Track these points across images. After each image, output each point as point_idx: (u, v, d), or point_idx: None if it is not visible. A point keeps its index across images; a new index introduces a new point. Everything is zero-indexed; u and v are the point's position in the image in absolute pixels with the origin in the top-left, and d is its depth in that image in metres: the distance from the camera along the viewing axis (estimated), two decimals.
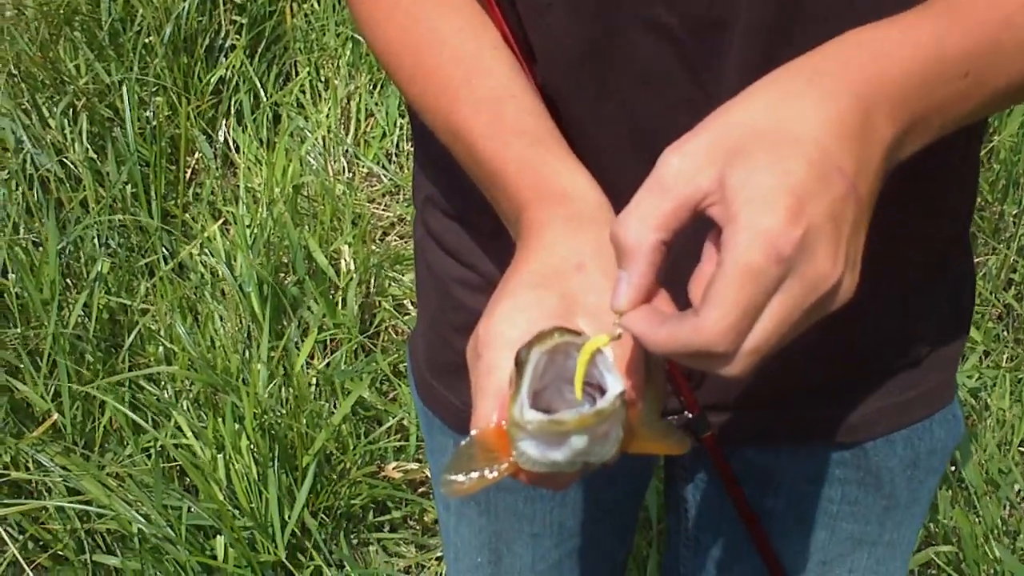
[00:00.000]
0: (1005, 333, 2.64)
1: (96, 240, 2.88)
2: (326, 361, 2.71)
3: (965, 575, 2.07)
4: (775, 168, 0.69)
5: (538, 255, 0.82)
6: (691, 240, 0.92)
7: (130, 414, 2.41)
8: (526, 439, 0.75)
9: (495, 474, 0.77)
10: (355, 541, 2.48)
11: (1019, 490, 2.29)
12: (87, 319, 2.68)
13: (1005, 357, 2.55)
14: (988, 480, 2.16)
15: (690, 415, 1.08)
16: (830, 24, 0.83)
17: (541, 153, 0.87)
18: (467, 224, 1.12)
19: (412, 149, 1.16)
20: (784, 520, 1.21)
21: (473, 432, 0.78)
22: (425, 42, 0.94)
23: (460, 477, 0.77)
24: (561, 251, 0.82)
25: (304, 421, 2.42)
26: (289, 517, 2.28)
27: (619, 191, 0.85)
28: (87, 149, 3.13)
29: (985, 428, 2.31)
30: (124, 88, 3.18)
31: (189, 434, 2.36)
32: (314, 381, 2.65)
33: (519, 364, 0.75)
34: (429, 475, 1.53)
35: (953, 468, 2.19)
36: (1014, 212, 2.79)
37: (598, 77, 0.93)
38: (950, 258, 1.12)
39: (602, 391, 0.75)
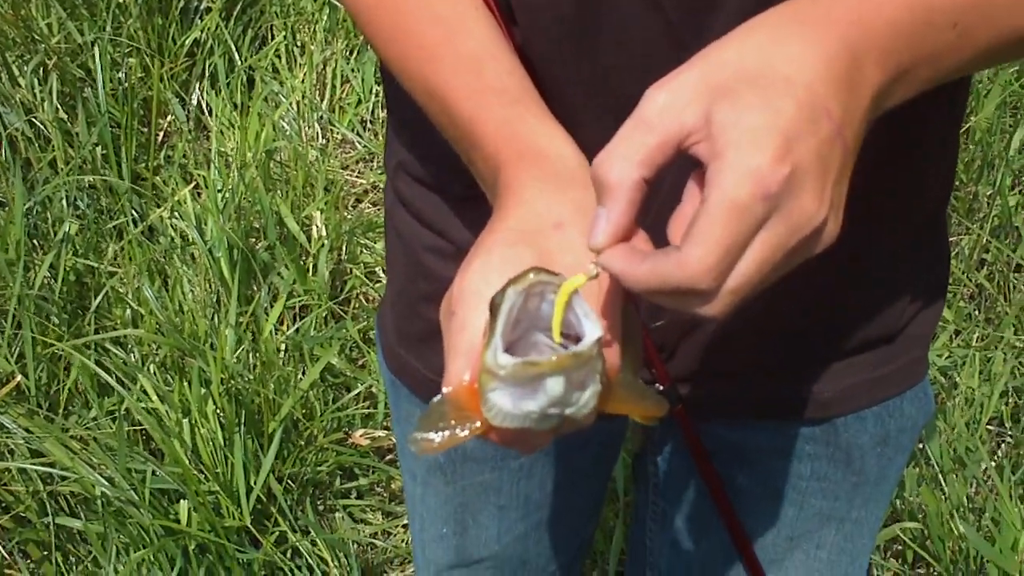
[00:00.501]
0: (976, 313, 2.65)
1: (64, 201, 2.85)
2: (296, 327, 2.70)
3: (930, 551, 2.07)
4: (764, 108, 0.69)
5: (515, 213, 0.81)
6: (669, 191, 0.91)
7: (98, 371, 2.39)
8: (499, 388, 0.73)
9: (466, 432, 0.76)
10: (321, 507, 2.47)
11: (985, 468, 2.30)
12: (53, 281, 2.65)
13: (975, 337, 2.55)
14: (955, 458, 2.17)
15: (661, 387, 1.07)
16: None
17: (520, 112, 0.86)
18: (439, 190, 1.10)
19: (387, 115, 1.13)
20: (752, 495, 1.21)
21: (445, 390, 0.77)
22: (404, 1, 0.92)
23: (430, 435, 0.76)
24: (539, 209, 0.81)
25: (272, 387, 2.40)
26: (255, 483, 2.27)
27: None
28: (57, 109, 3.09)
29: (954, 407, 2.31)
30: (96, 48, 3.14)
31: (155, 398, 2.34)
32: (283, 347, 2.63)
33: (493, 310, 0.73)
34: (396, 443, 1.52)
35: (921, 446, 2.19)
36: (988, 193, 2.80)
37: (580, 42, 0.92)
38: (927, 236, 1.11)
39: (578, 340, 0.73)
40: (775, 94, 0.69)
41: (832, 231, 0.72)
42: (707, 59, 0.72)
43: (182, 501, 2.18)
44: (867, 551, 1.31)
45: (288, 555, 2.29)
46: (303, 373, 2.53)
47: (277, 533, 2.31)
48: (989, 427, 2.36)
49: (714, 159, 0.69)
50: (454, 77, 0.88)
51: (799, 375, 1.11)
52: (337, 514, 2.47)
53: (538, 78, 0.91)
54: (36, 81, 3.15)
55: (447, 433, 0.76)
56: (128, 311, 2.64)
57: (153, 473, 2.22)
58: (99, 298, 2.59)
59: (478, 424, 0.75)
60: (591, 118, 0.92)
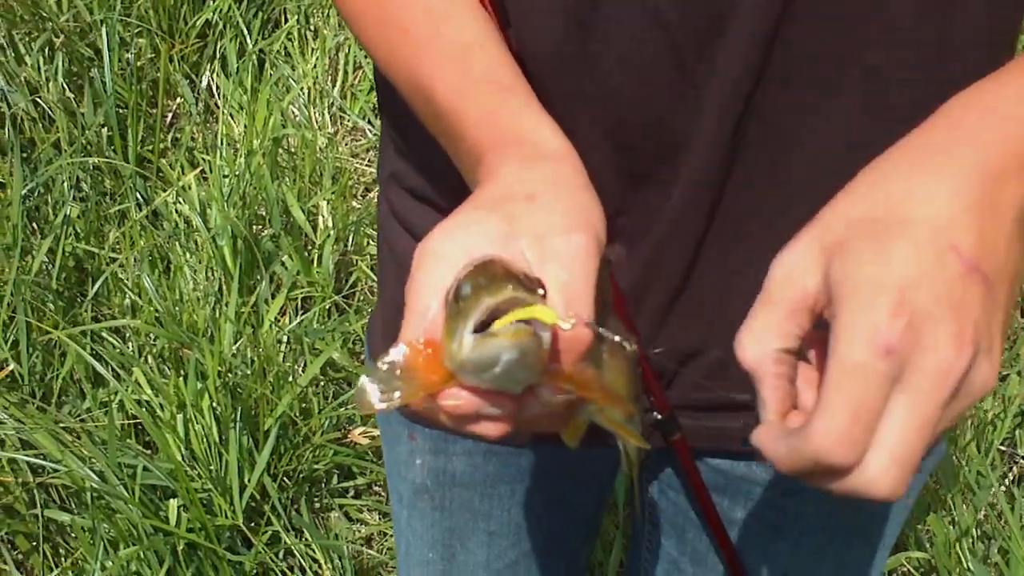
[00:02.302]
0: None
1: (66, 184, 2.80)
2: (299, 319, 2.65)
3: None
4: (875, 259, 0.65)
5: (489, 187, 0.77)
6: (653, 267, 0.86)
7: (92, 361, 2.35)
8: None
9: (416, 393, 0.71)
10: (317, 506, 2.42)
11: (994, 492, 2.24)
12: (51, 266, 2.60)
13: None
14: (965, 484, 2.11)
15: (660, 416, 1.03)
16: (823, 28, 0.81)
17: (505, 99, 0.82)
18: (431, 202, 1.06)
19: (380, 123, 1.09)
20: (749, 530, 1.17)
21: (395, 350, 0.72)
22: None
23: (376, 394, 0.71)
24: (512, 182, 0.76)
25: (269, 381, 2.36)
26: (249, 480, 2.23)
27: (590, 172, 0.81)
28: (63, 88, 3.05)
29: (965, 428, 2.26)
30: (104, 28, 3.09)
31: (148, 390, 2.29)
32: (285, 340, 2.58)
33: (458, 298, 0.68)
34: (385, 463, 1.47)
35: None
36: None
37: (580, 56, 0.88)
38: None
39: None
40: (889, 239, 0.65)
41: (987, 373, 0.65)
42: (823, 216, 0.70)
43: (172, 500, 2.13)
44: None
45: (281, 556, 2.24)
46: (303, 368, 2.48)
47: (270, 532, 2.26)
48: (1001, 448, 2.31)
49: (832, 322, 0.66)
50: (440, 68, 0.84)
51: None
52: (333, 513, 2.43)
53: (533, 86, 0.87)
54: (42, 60, 3.10)
55: (396, 395, 0.71)
56: (127, 299, 2.60)
57: (144, 468, 2.17)
58: (97, 285, 2.55)
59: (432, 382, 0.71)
60: (586, 138, 0.88)
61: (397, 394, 0.71)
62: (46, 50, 3.14)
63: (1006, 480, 2.28)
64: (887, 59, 0.86)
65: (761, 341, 0.70)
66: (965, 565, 1.98)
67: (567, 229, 0.72)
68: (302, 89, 3.24)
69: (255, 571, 2.22)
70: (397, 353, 0.71)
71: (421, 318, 0.71)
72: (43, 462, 2.21)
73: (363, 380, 0.71)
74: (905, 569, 2.08)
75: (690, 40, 0.85)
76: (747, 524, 1.16)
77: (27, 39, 3.18)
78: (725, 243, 0.94)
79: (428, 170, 1.04)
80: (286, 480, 2.36)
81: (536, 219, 0.73)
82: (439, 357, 0.70)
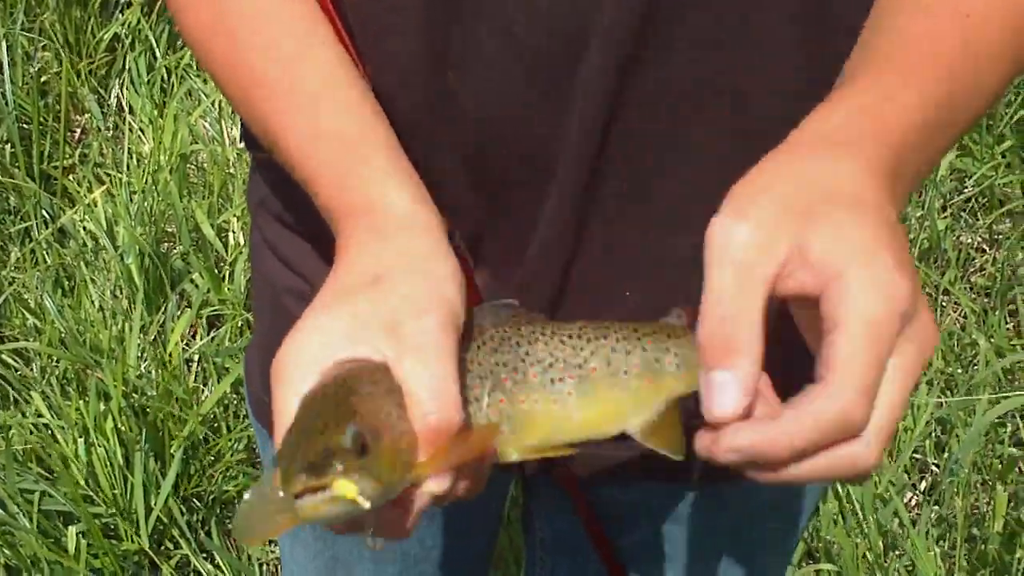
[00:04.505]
0: None
1: None
2: (211, 336, 2.60)
3: None
4: (863, 224, 0.65)
5: (339, 272, 0.76)
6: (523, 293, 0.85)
7: None
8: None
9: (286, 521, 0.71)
10: (229, 528, 2.38)
11: (909, 499, 2.24)
12: None
13: None
14: (876, 496, 2.11)
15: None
16: (686, 51, 0.81)
17: (350, 161, 0.80)
18: (299, 230, 1.03)
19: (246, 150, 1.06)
20: (643, 556, 1.15)
21: (260, 485, 0.72)
22: (241, 28, 0.85)
23: (252, 522, 0.71)
24: (359, 264, 0.75)
25: (176, 402, 2.31)
26: (155, 503, 2.18)
27: (452, 200, 0.81)
28: None
29: None
30: (5, 41, 3.02)
31: (47, 414, 2.24)
32: (196, 359, 2.54)
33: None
34: None
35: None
36: (918, 215, 2.74)
37: (437, 79, 0.86)
38: None
39: None
40: (860, 212, 0.66)
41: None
42: (778, 184, 0.68)
43: (71, 527, 2.08)
44: None
45: None
46: (212, 388, 2.44)
47: (179, 556, 2.22)
48: (915, 456, 2.31)
49: (832, 283, 0.64)
50: (291, 119, 0.82)
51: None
52: None
53: (392, 119, 0.85)
54: None
55: (271, 523, 0.71)
56: (30, 321, 2.54)
57: (45, 494, 2.12)
58: None
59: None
60: (444, 162, 0.88)
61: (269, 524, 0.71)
62: None
63: (916, 490, 2.28)
64: (758, 83, 0.84)
65: (751, 316, 0.65)
66: None
67: (416, 312, 0.71)
68: (212, 103, 3.19)
69: None
70: (268, 478, 0.71)
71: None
72: None
73: (242, 509, 0.71)
74: None
75: (548, 65, 0.83)
76: (641, 551, 1.14)
77: None
78: (595, 267, 0.92)
79: (293, 197, 1.01)
80: (196, 502, 2.31)
81: (384, 307, 0.71)
82: None
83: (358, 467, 0.67)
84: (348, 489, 0.67)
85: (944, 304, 2.66)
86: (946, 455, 2.26)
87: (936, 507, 2.16)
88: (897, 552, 2.06)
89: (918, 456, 2.32)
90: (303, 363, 0.71)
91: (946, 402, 2.28)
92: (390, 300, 0.72)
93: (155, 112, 3.14)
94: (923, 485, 2.29)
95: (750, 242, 0.65)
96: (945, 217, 2.78)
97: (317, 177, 0.81)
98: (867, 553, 2.01)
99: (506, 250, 0.92)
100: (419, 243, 0.75)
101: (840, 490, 2.11)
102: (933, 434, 2.34)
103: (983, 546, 2.06)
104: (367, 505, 0.67)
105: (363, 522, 0.71)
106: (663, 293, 0.88)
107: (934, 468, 2.31)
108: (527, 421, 0.77)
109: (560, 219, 0.89)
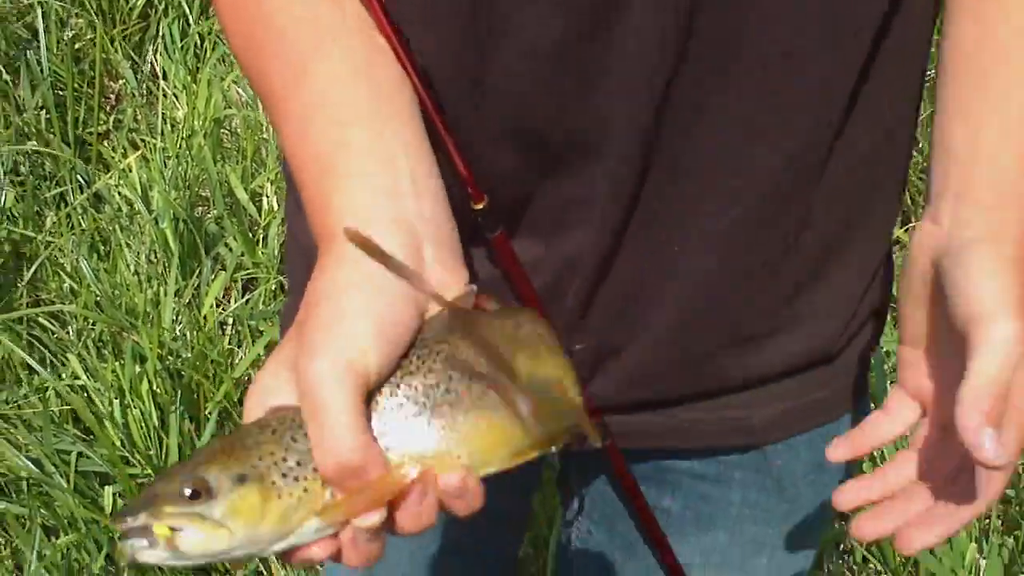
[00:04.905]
0: None
1: (1, 167, 2.76)
2: (245, 299, 2.62)
3: (877, 555, 2.01)
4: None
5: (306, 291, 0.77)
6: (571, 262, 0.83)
7: (15, 349, 2.31)
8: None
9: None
10: None
11: None
12: None
13: None
14: None
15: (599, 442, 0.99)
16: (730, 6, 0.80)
17: (326, 187, 0.79)
18: None
19: None
20: (681, 520, 1.13)
21: None
22: (262, 33, 0.84)
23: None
24: (304, 300, 0.76)
25: (210, 364, 2.33)
26: None
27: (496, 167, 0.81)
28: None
29: None
30: (40, 8, 3.04)
31: (83, 376, 2.26)
32: (230, 322, 2.55)
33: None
34: None
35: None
36: None
37: (479, 43, 0.84)
38: (877, 265, 1.05)
39: None
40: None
41: None
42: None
43: (107, 487, 2.10)
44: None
45: None
46: (246, 351, 2.45)
47: None
48: None
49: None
50: (288, 132, 0.82)
51: (726, 402, 1.04)
52: None
53: (434, 94, 0.84)
54: None
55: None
56: (66, 284, 2.56)
57: (82, 455, 2.14)
58: (32, 269, 2.51)
59: None
60: (488, 129, 0.87)
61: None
62: None
63: None
64: (790, 41, 0.84)
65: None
66: None
67: (310, 356, 0.70)
68: None
69: None
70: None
71: None
72: None
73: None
74: (849, 542, 2.07)
75: (593, 23, 0.81)
76: (679, 514, 1.13)
77: None
78: (644, 233, 0.90)
79: None
80: None
81: (296, 352, 0.72)
82: None
83: (187, 513, 0.67)
84: (162, 530, 0.67)
85: None
86: None
87: None
88: None
89: None
90: (251, 407, 0.73)
91: None
92: (300, 344, 0.72)
93: (188, 77, 3.15)
94: None
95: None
96: None
97: (305, 194, 0.81)
98: None
99: (552, 218, 0.91)
100: (338, 275, 0.74)
101: (874, 452, 2.10)
102: None
103: (1018, 508, 2.06)
104: (190, 550, 0.67)
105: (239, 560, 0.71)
106: (714, 257, 0.90)
107: None
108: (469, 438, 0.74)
109: (612, 185, 0.88)
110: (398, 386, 0.73)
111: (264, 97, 0.85)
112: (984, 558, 1.94)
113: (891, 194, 1.03)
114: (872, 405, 1.14)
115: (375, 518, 0.70)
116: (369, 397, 0.72)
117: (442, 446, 0.72)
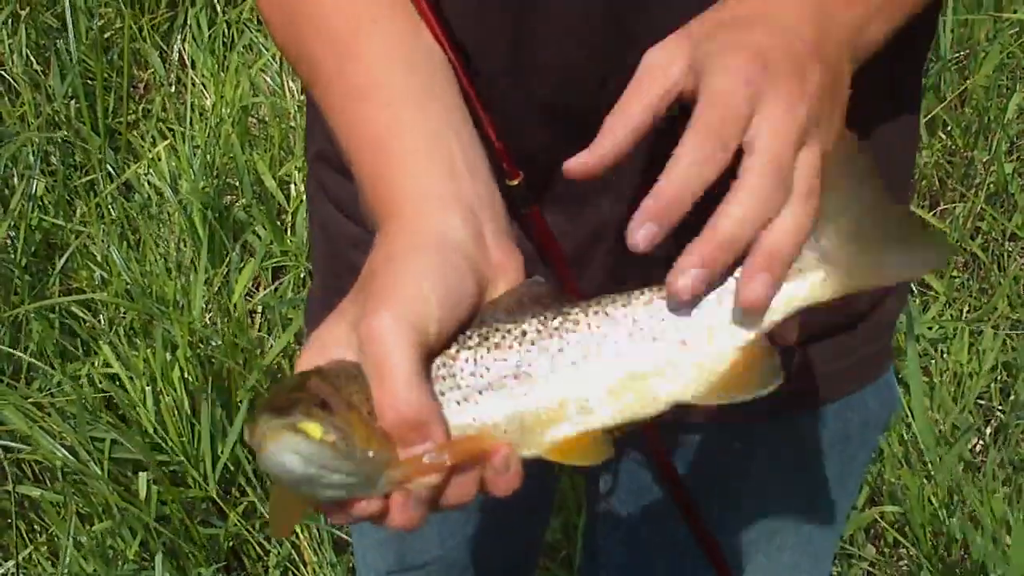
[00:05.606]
0: (970, 282, 2.57)
1: (32, 156, 2.77)
2: (273, 287, 2.63)
3: (910, 537, 2.01)
4: (737, 35, 0.74)
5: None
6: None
7: (46, 338, 2.32)
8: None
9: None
10: None
11: (974, 445, 2.23)
12: (16, 240, 2.58)
13: (966, 308, 2.48)
14: (941, 437, 2.10)
15: None
16: None
17: (383, 166, 0.81)
18: None
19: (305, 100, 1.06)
20: (710, 496, 1.14)
21: None
22: (302, 18, 0.85)
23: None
24: (365, 268, 0.78)
25: (241, 350, 2.34)
26: (222, 451, 2.21)
27: (529, 140, 0.82)
28: (27, 60, 3.01)
29: (941, 383, 2.24)
30: None
31: (115, 364, 2.27)
32: (259, 309, 2.56)
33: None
34: None
35: (908, 423, 2.12)
36: (984, 159, 2.71)
37: (517, 25, 0.86)
38: None
39: None
40: (748, 26, 0.74)
41: (827, 136, 0.74)
42: (689, 23, 0.77)
43: (140, 474, 2.12)
44: (831, 551, 1.26)
45: (257, 527, 2.23)
46: (276, 338, 2.46)
47: (245, 503, 2.25)
48: (980, 401, 2.29)
49: (700, 78, 0.72)
50: (339, 114, 0.84)
51: None
52: None
53: (470, 69, 0.86)
54: (6, 33, 3.07)
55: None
56: (97, 272, 2.58)
57: (116, 442, 2.16)
58: (64, 258, 2.53)
59: None
60: (521, 103, 0.88)
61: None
62: (10, 22, 3.10)
63: (982, 434, 2.26)
64: None
65: (632, 120, 0.74)
66: (941, 519, 1.97)
67: (374, 311, 0.72)
68: (273, 56, 3.21)
69: (230, 543, 2.21)
70: None
71: None
72: (11, 444, 2.20)
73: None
74: (880, 525, 2.07)
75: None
76: (707, 491, 1.14)
77: None
78: None
79: None
80: None
81: (357, 311, 0.74)
82: None
83: (322, 416, 0.68)
84: (312, 428, 0.67)
85: (1010, 250, 2.63)
86: (1012, 399, 2.25)
87: (1002, 450, 2.14)
88: (961, 496, 2.05)
89: (983, 401, 2.30)
90: (308, 358, 0.74)
91: (1011, 346, 2.26)
92: (364, 302, 0.74)
93: (216, 66, 3.16)
94: (988, 430, 2.27)
95: (649, 62, 0.75)
96: (1012, 160, 2.74)
97: (359, 173, 0.83)
98: (931, 498, 2.00)
99: (582, 186, 0.92)
100: (402, 241, 0.75)
101: (904, 434, 2.10)
102: (999, 378, 2.32)
103: None
104: (333, 443, 0.68)
105: (358, 505, 0.72)
106: None
107: (999, 413, 2.29)
108: (538, 418, 0.75)
109: (635, 158, 0.88)
110: (455, 356, 0.74)
111: (309, 80, 0.87)
112: None
113: (905, 167, 1.03)
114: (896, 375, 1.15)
115: (435, 478, 0.71)
116: (428, 363, 0.73)
117: (492, 420, 0.74)
